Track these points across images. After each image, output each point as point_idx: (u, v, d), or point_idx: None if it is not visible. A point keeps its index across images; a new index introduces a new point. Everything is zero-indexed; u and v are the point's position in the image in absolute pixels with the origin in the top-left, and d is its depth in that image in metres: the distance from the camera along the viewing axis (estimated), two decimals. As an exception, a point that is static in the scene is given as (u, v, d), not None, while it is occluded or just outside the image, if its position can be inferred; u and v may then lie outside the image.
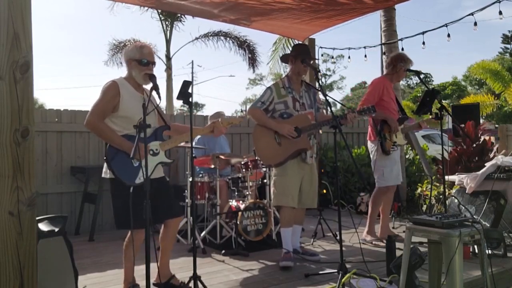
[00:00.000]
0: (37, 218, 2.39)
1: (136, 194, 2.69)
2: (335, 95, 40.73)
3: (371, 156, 4.58)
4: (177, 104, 24.68)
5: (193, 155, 2.95)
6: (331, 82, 37.49)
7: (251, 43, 16.52)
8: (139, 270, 3.14)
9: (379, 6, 5.26)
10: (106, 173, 2.97)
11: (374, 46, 7.17)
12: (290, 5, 4.58)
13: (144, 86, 3.10)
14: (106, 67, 17.54)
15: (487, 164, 4.37)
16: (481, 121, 15.00)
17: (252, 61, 16.71)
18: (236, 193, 4.95)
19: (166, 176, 6.25)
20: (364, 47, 6.92)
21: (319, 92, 3.99)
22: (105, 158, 2.89)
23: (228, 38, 16.51)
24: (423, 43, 6.20)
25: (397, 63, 4.48)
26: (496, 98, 17.73)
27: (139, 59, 2.96)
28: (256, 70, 17.33)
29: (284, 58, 4.06)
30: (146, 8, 15.30)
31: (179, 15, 16.69)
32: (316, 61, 4.54)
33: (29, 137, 2.09)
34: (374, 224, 4.57)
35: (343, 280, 3.02)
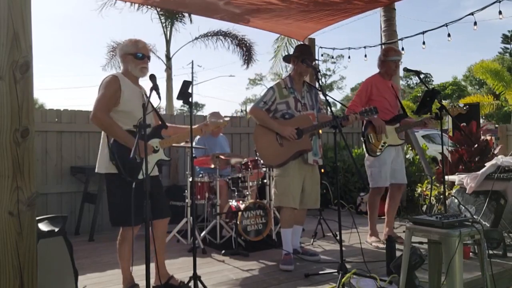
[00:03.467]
0: (37, 218, 2.39)
1: (134, 190, 2.69)
2: (335, 95, 40.68)
3: None
4: (177, 104, 24.66)
5: (193, 155, 2.95)
6: (331, 82, 37.44)
7: (248, 41, 16.56)
8: (139, 270, 3.14)
9: (370, 6, 5.28)
10: (101, 168, 2.95)
11: (374, 46, 7.18)
12: (278, 6, 4.59)
13: (141, 84, 3.12)
14: (104, 72, 17.12)
15: (487, 164, 4.37)
16: (481, 121, 15.01)
17: (248, 58, 16.70)
18: (236, 193, 4.95)
19: (166, 176, 6.26)
20: (364, 47, 6.94)
21: (320, 92, 3.99)
22: (111, 152, 2.86)
23: (227, 37, 16.50)
24: (423, 43, 6.22)
25: (382, 58, 4.46)
26: (495, 98, 17.73)
27: (135, 53, 2.99)
28: (250, 67, 17.33)
29: (286, 59, 4.06)
30: (146, 9, 15.28)
31: (179, 15, 16.68)
32: (316, 61, 4.52)
33: (29, 137, 2.09)
34: (376, 225, 4.54)
35: (343, 280, 3.02)
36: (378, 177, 4.32)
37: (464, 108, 4.21)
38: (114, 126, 2.86)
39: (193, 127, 3.24)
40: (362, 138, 4.41)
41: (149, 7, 15.34)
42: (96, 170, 3.01)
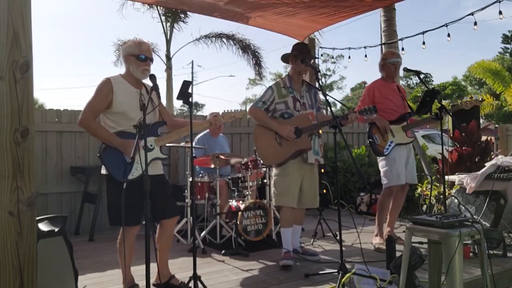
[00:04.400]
0: (37, 218, 2.39)
1: (129, 190, 2.70)
2: (335, 95, 40.70)
3: None
4: (177, 104, 24.70)
5: (193, 155, 2.95)
6: (331, 82, 37.42)
7: (255, 47, 16.26)
8: (139, 270, 3.14)
9: (377, 4, 5.26)
10: (102, 169, 3.01)
11: (374, 46, 7.19)
12: (284, 1, 4.58)
13: (145, 82, 3.11)
14: (116, 67, 17.32)
15: (487, 164, 4.37)
16: (481, 121, 15.01)
17: (258, 66, 16.53)
18: (236, 193, 4.95)
19: (166, 175, 6.25)
20: (364, 47, 6.94)
21: (320, 92, 3.98)
22: (98, 155, 2.94)
23: (230, 40, 16.33)
24: (423, 43, 6.22)
25: (381, 62, 4.49)
26: (494, 98, 17.73)
27: (137, 55, 2.99)
28: (261, 74, 17.12)
29: (285, 58, 4.05)
30: (147, 7, 15.27)
31: (180, 15, 16.64)
32: (316, 60, 4.52)
33: (29, 137, 2.09)
34: (383, 227, 4.50)
35: (343, 280, 3.02)
36: (390, 176, 4.27)
37: (480, 100, 4.21)
38: (98, 129, 2.91)
39: (201, 121, 3.24)
40: (368, 141, 4.40)
41: (148, 6, 15.34)
42: (101, 172, 3.06)
